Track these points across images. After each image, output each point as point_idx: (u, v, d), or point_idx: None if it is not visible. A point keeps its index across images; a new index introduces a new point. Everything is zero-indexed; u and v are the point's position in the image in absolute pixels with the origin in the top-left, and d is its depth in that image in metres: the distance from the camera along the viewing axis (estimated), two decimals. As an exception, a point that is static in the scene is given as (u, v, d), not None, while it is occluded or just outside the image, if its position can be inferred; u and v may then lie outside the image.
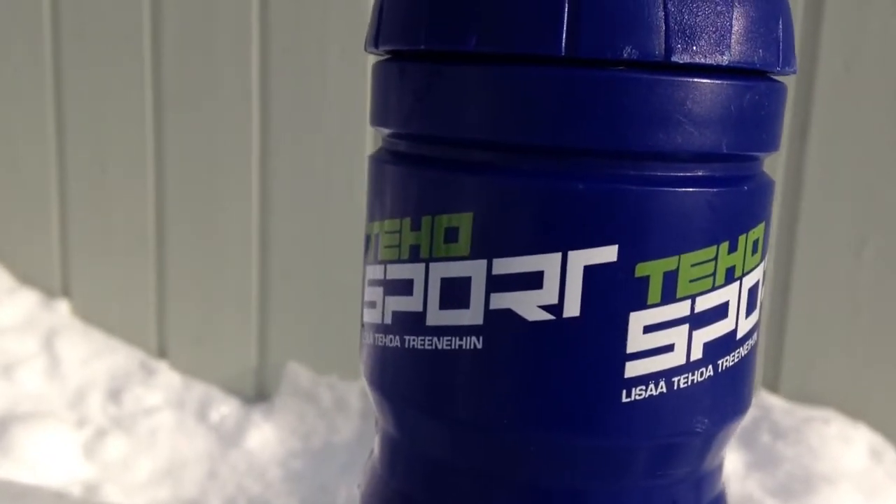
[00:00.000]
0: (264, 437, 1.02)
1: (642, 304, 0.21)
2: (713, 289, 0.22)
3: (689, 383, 0.22)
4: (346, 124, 1.05)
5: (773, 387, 0.97)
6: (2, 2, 1.16)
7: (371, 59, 1.05)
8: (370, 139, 1.05)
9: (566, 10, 0.20)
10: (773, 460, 0.88)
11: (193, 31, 1.09)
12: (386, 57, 0.24)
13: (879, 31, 0.89)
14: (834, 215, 0.94)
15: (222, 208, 1.11)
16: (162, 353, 1.17)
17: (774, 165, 0.95)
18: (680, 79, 0.20)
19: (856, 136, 0.91)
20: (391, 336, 0.24)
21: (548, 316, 0.21)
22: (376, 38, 0.23)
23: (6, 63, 1.19)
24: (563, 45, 0.20)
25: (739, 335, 0.23)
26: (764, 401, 0.96)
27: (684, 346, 0.22)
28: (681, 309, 0.22)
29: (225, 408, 1.06)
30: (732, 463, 0.90)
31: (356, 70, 1.06)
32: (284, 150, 1.07)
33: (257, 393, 1.12)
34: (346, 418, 1.02)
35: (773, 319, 0.99)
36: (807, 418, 0.92)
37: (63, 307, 1.16)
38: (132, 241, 1.16)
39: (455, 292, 0.22)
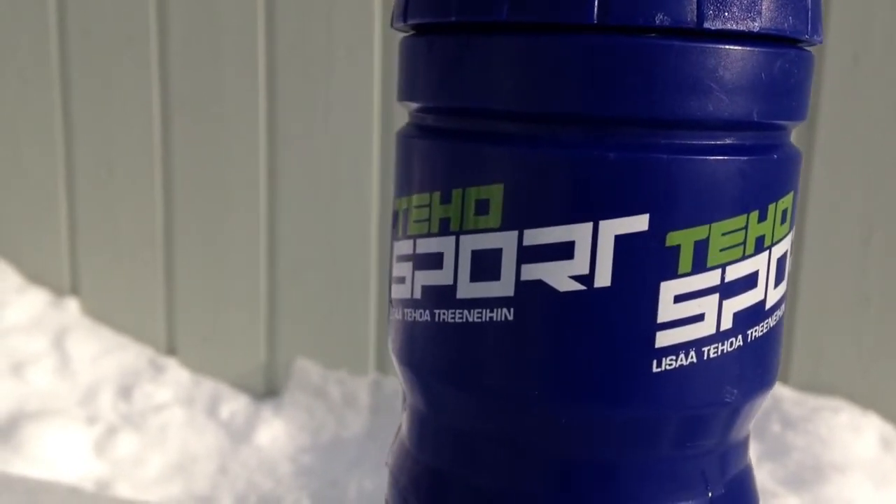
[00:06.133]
0: (274, 432, 1.02)
1: (673, 274, 0.21)
2: (743, 258, 0.22)
3: (719, 353, 0.22)
4: (352, 123, 1.05)
5: (783, 377, 0.97)
6: (8, 5, 1.16)
7: (378, 56, 1.05)
8: (377, 138, 1.06)
9: (597, -22, 0.20)
10: (783, 450, 0.89)
11: (199, 31, 1.09)
12: (412, 32, 0.24)
13: (887, 21, 0.89)
14: (842, 205, 0.94)
15: (230, 206, 1.11)
16: (171, 350, 1.17)
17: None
18: (712, 45, 0.20)
19: (863, 127, 0.91)
20: (421, 310, 0.24)
21: (579, 286, 0.21)
22: (404, 12, 0.23)
23: (13, 66, 1.19)
24: (595, 12, 0.20)
25: (768, 305, 0.23)
26: (774, 391, 0.96)
27: (714, 315, 0.22)
28: (711, 278, 0.22)
29: (235, 404, 1.06)
30: (743, 453, 0.90)
31: (362, 70, 1.06)
32: (291, 149, 1.07)
33: (267, 389, 1.13)
34: (356, 413, 1.02)
35: (783, 310, 0.99)
36: (816, 408, 0.92)
37: (72, 306, 1.16)
38: (140, 239, 1.17)
39: (486, 264, 0.22)
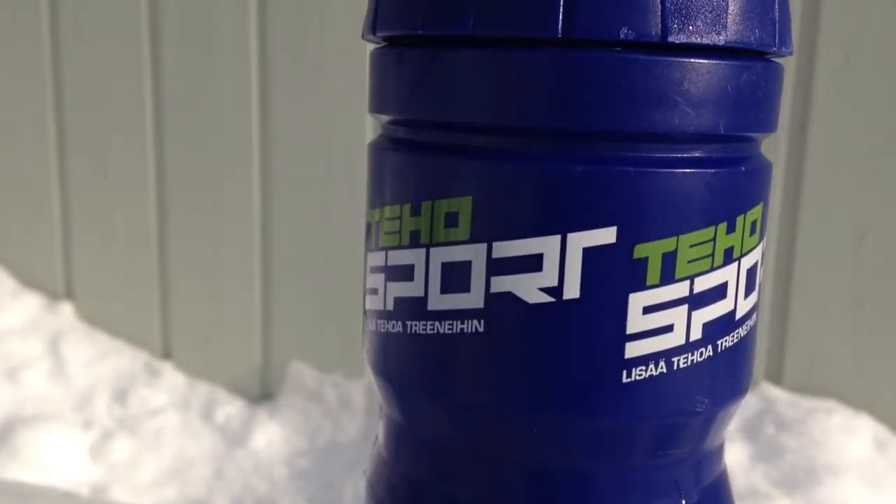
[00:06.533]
0: (270, 436, 1.02)
1: (641, 286, 0.21)
2: (712, 269, 0.22)
3: (689, 363, 0.22)
4: (346, 125, 1.05)
5: (777, 379, 0.97)
6: (0, 6, 1.17)
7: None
8: (370, 139, 1.06)
9: (562, -8, 0.20)
10: (777, 452, 0.89)
11: (192, 30, 1.09)
12: (384, 44, 0.24)
13: (878, 22, 0.89)
14: (834, 206, 0.94)
15: (224, 209, 1.11)
16: (166, 354, 1.17)
17: (775, 157, 0.95)
18: (676, 59, 0.20)
19: (856, 127, 0.91)
20: (393, 322, 0.24)
21: (548, 298, 0.21)
22: (373, 24, 0.23)
23: (6, 68, 1.19)
24: (560, 26, 0.20)
25: (738, 315, 0.23)
26: (767, 393, 0.96)
27: (683, 326, 0.22)
28: (680, 289, 0.22)
29: (230, 408, 1.06)
30: (737, 455, 0.90)
31: (356, 71, 1.06)
32: (285, 151, 1.07)
33: (262, 392, 1.13)
34: (351, 416, 1.02)
35: (776, 312, 0.99)
36: (810, 410, 0.92)
37: (67, 310, 1.16)
38: (135, 242, 1.17)
39: (456, 276, 0.22)
